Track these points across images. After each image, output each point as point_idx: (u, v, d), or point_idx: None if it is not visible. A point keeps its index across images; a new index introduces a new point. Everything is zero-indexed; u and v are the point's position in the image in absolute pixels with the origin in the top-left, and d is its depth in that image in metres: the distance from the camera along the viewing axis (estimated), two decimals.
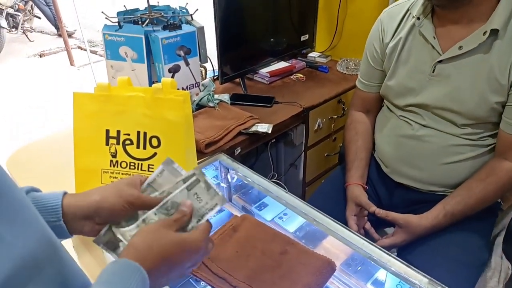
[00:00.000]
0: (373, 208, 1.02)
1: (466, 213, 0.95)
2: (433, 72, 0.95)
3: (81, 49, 5.47)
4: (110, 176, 0.88)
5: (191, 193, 0.57)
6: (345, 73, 1.71)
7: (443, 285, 0.70)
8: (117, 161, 0.88)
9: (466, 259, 0.94)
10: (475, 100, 0.91)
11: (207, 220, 0.57)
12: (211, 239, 0.57)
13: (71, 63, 4.75)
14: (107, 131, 0.87)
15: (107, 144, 0.87)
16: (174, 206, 0.56)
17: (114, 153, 0.87)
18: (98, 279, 0.44)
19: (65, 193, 0.56)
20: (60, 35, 5.23)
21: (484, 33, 0.85)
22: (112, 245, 0.55)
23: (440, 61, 0.93)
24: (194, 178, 0.57)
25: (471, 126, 0.95)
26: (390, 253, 0.78)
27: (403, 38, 1.00)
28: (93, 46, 5.48)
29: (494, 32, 0.85)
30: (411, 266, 0.74)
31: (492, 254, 1.03)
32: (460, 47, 0.89)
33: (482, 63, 0.88)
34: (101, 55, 5.02)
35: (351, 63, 1.73)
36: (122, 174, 0.88)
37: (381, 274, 0.87)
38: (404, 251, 1.01)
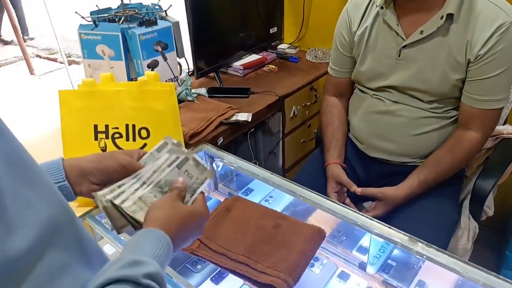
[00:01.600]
0: (354, 187, 1.10)
1: (437, 180, 1.04)
2: (399, 56, 1.03)
3: (40, 57, 5.29)
4: None
5: (181, 171, 0.61)
6: (314, 62, 1.79)
7: (422, 241, 0.78)
8: None
9: (439, 222, 1.03)
10: (438, 79, 0.99)
11: (201, 193, 0.62)
12: None
13: (31, 72, 4.59)
14: (95, 126, 0.89)
15: (96, 139, 0.89)
16: (168, 184, 0.60)
17: (103, 147, 0.89)
18: (126, 246, 0.49)
19: (62, 158, 0.61)
20: (6, 44, 5.06)
21: (442, 18, 0.94)
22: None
23: (404, 46, 1.01)
24: (183, 156, 0.62)
25: (436, 101, 1.04)
26: (372, 218, 0.85)
27: (369, 26, 1.08)
28: (52, 54, 5.32)
29: (450, 16, 0.94)
30: (391, 227, 0.82)
31: (461, 216, 1.13)
32: (421, 32, 0.98)
33: (441, 45, 0.97)
34: (61, 62, 4.88)
35: (319, 52, 1.81)
36: None
37: (365, 241, 0.94)
38: (383, 220, 1.09)
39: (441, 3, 0.95)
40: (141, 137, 0.89)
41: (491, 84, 0.95)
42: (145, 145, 0.89)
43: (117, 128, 0.88)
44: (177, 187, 0.58)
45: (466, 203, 1.15)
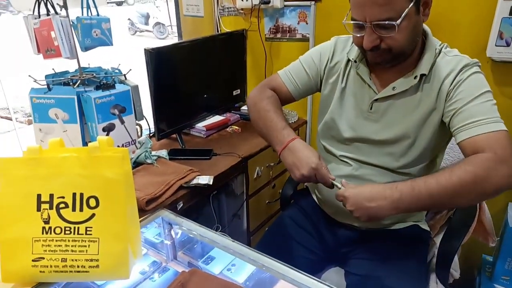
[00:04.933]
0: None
1: (434, 193, 0.84)
2: (370, 109, 1.03)
3: None
4: (43, 245, 0.81)
5: None
6: None
7: None
8: (50, 227, 0.81)
9: None
10: (409, 128, 0.98)
11: None
12: None
13: None
14: (39, 196, 0.81)
15: (38, 209, 0.81)
16: None
17: (46, 219, 0.81)
18: None
19: None
20: None
21: (415, 77, 0.97)
22: None
23: (376, 100, 1.02)
24: None
25: (405, 165, 1.02)
26: None
27: (346, 74, 1.08)
28: (14, 113, 5.16)
29: (422, 75, 0.97)
30: None
31: (429, 280, 1.10)
32: (393, 88, 1.00)
33: (414, 100, 0.99)
34: (21, 122, 4.74)
35: None
36: (57, 241, 0.81)
37: None
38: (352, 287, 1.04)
39: (413, 64, 0.98)
40: (89, 207, 0.82)
41: (475, 107, 0.89)
42: (93, 215, 0.82)
43: (63, 197, 0.81)
44: None
45: (433, 266, 1.12)
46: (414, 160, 1.02)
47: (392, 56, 0.93)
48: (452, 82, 0.94)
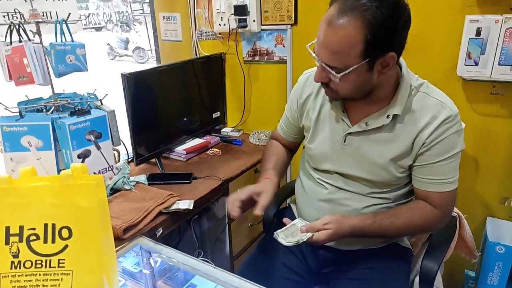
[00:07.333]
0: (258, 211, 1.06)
1: (389, 231, 1.00)
2: (344, 141, 1.04)
3: None
4: (12, 281, 0.76)
5: None
6: (258, 144, 1.81)
7: None
8: (19, 262, 0.77)
9: None
10: (382, 167, 1.00)
11: None
12: None
13: None
14: (7, 229, 0.77)
15: (7, 243, 0.77)
16: None
17: (16, 252, 0.77)
18: None
19: None
20: None
21: (388, 116, 0.97)
22: None
23: (349, 133, 1.02)
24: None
25: (380, 192, 1.04)
26: None
27: (318, 107, 1.09)
28: None
29: (396, 116, 0.97)
30: None
31: None
32: (366, 123, 1.00)
33: (387, 138, 0.99)
34: None
35: (261, 134, 1.85)
36: (26, 275, 0.77)
37: None
38: None
39: (386, 96, 0.97)
40: (61, 238, 0.78)
41: (441, 166, 0.96)
42: (66, 246, 0.78)
43: (34, 229, 0.77)
44: None
45: (417, 285, 1.12)
46: (389, 189, 1.04)
47: (340, 97, 0.97)
48: (431, 134, 0.94)
